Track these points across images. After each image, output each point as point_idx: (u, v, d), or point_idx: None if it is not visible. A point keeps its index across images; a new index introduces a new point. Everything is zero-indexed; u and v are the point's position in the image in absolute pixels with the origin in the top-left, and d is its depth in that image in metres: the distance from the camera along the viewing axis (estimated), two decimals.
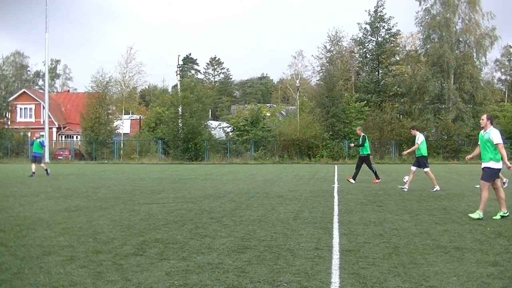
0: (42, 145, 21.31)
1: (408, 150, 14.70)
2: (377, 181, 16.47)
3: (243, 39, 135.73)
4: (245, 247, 6.34)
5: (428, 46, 42.83)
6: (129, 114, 59.30)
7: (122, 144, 46.61)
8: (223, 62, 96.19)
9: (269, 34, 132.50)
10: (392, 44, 46.88)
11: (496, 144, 8.45)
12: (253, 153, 41.32)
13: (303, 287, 4.64)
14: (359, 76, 49.01)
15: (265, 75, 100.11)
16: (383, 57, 46.62)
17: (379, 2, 46.22)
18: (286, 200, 11.59)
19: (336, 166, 30.44)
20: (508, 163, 8.38)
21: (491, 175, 8.59)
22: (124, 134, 50.92)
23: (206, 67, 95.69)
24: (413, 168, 14.07)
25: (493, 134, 8.53)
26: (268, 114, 47.99)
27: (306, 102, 50.72)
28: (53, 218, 8.78)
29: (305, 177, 20.38)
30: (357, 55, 49.96)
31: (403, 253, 5.96)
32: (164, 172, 25.08)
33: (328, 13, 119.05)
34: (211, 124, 47.87)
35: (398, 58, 48.00)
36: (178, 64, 49.32)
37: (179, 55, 51.39)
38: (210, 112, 61.14)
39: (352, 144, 18.63)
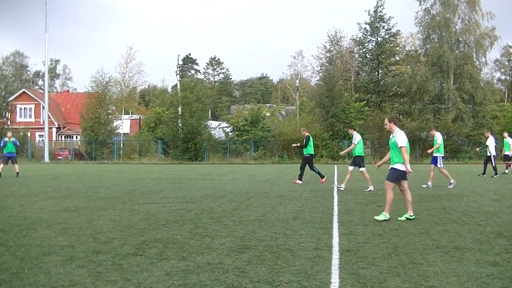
0: (15, 144, 20.65)
1: (345, 150, 14.96)
2: (323, 180, 16.60)
3: (243, 39, 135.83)
4: (245, 247, 6.34)
5: (427, 46, 42.84)
6: (129, 114, 59.29)
7: (122, 144, 46.61)
8: (223, 62, 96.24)
9: (269, 34, 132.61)
10: (392, 44, 46.89)
11: (400, 147, 8.46)
12: (253, 153, 41.33)
13: (303, 287, 4.65)
14: (359, 76, 49.01)
15: (265, 75, 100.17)
16: (383, 57, 46.63)
17: (379, 2, 46.25)
18: (286, 200, 11.59)
19: (335, 166, 30.43)
20: (409, 167, 8.46)
21: (397, 176, 8.57)
22: (123, 134, 50.92)
23: (206, 67, 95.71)
24: (350, 168, 14.47)
25: (398, 137, 8.54)
26: (268, 114, 47.99)
27: (305, 102, 50.71)
28: (53, 218, 8.78)
29: (305, 177, 20.37)
30: (357, 55, 49.97)
31: (402, 253, 5.96)
32: (164, 172, 25.07)
33: (328, 13, 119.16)
34: (211, 124, 47.88)
35: (398, 58, 48.01)
36: (178, 64, 49.32)
37: (179, 55, 51.46)
38: (210, 112, 61.14)
39: (294, 144, 18.86)
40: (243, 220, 8.59)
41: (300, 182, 16.68)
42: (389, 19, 46.39)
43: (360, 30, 47.43)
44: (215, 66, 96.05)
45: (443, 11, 41.41)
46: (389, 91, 46.34)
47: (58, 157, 43.67)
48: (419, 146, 40.28)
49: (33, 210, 9.92)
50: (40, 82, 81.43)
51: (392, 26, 46.51)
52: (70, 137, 54.40)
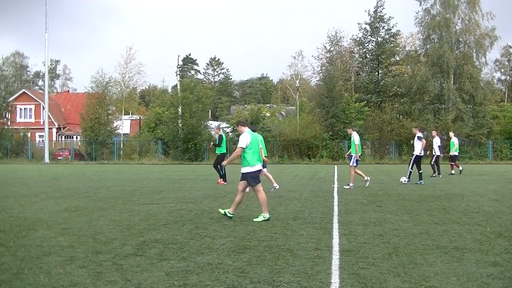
0: None
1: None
2: (222, 182, 16.64)
3: (243, 39, 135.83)
4: (245, 247, 6.34)
5: (428, 46, 42.82)
6: (129, 114, 59.29)
7: (122, 145, 46.62)
8: (223, 63, 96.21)
9: (269, 34, 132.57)
10: (392, 44, 46.85)
11: (238, 146, 8.48)
12: None
13: (303, 287, 4.64)
14: (359, 76, 48.99)
15: (265, 76, 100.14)
16: (383, 57, 46.60)
17: (379, 2, 46.22)
18: (286, 200, 11.59)
19: (335, 166, 30.44)
20: (226, 163, 9.00)
21: (253, 178, 8.51)
22: (123, 134, 50.91)
23: (206, 67, 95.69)
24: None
25: (240, 138, 8.58)
26: (268, 114, 48.02)
27: (305, 103, 50.70)
28: (53, 219, 8.78)
29: (305, 177, 20.39)
30: (357, 55, 49.94)
31: (403, 254, 5.96)
32: (164, 172, 25.07)
33: (328, 13, 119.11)
34: (211, 124, 47.86)
35: (398, 58, 47.96)
36: (178, 65, 49.35)
37: (178, 55, 51.47)
38: (210, 113, 61.12)
39: (212, 144, 19.11)
40: (243, 220, 8.60)
41: (225, 183, 16.62)
42: (389, 19, 46.38)
43: (360, 30, 47.46)
44: (215, 66, 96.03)
45: (443, 11, 41.41)
46: (389, 91, 46.32)
47: (58, 158, 43.68)
48: None
49: (33, 210, 9.92)
50: (40, 83, 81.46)
51: (392, 26, 46.52)
52: (70, 138, 54.41)
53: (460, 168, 22.16)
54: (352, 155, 14.96)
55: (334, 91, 41.48)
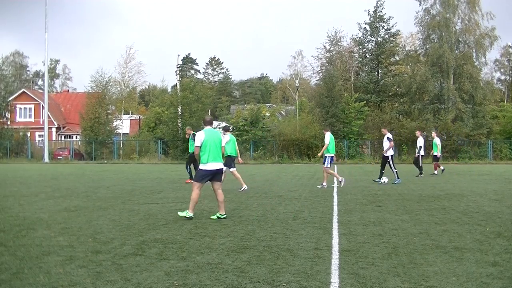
0: None
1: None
2: (189, 181, 16.84)
3: (242, 39, 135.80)
4: (245, 247, 6.34)
5: (427, 46, 42.81)
6: (129, 114, 59.28)
7: (121, 144, 46.60)
8: (222, 62, 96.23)
9: (269, 34, 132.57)
10: (391, 44, 46.84)
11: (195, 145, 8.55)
12: (252, 153, 41.32)
13: (303, 287, 4.65)
14: (359, 76, 48.97)
15: (264, 75, 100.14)
16: (382, 57, 46.59)
17: (378, 2, 46.21)
18: (285, 200, 11.59)
19: (335, 166, 30.44)
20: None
21: (202, 176, 8.50)
22: (123, 134, 50.89)
23: (205, 67, 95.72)
24: (229, 169, 14.37)
25: (196, 137, 8.60)
26: (267, 114, 47.97)
27: (305, 102, 50.68)
28: (53, 218, 8.78)
29: (305, 177, 20.39)
30: (356, 55, 49.93)
31: (402, 253, 5.96)
32: (164, 172, 25.07)
33: (328, 13, 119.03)
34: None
35: (397, 58, 47.95)
36: (178, 64, 49.31)
37: (178, 55, 51.47)
38: (209, 112, 61.12)
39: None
40: (242, 220, 8.60)
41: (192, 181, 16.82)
42: (389, 19, 46.38)
43: (360, 30, 47.46)
44: (214, 66, 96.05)
45: (443, 11, 41.39)
46: (389, 91, 46.31)
47: (58, 157, 43.65)
48: None
49: (32, 210, 9.92)
50: (40, 82, 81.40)
51: (392, 26, 46.51)
52: (69, 137, 54.38)
53: (442, 168, 22.03)
54: (325, 156, 15.07)
55: (333, 91, 41.48)
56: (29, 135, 48.58)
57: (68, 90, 74.64)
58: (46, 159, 42.02)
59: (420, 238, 6.93)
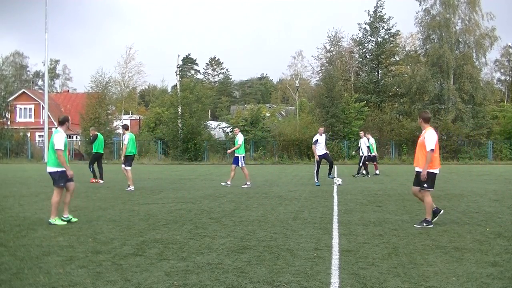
0: None
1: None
2: (99, 181, 17.33)
3: (243, 39, 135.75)
4: (245, 247, 6.34)
5: (427, 46, 42.79)
6: (129, 114, 59.26)
7: (121, 145, 46.57)
8: (222, 62, 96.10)
9: (269, 34, 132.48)
10: (391, 44, 46.83)
11: (56, 149, 8.20)
12: (252, 154, 41.32)
13: (303, 287, 4.65)
14: (359, 76, 48.96)
15: (264, 75, 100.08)
16: (382, 57, 46.58)
17: (378, 2, 46.19)
18: (285, 201, 11.59)
19: (335, 166, 30.44)
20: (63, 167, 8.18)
21: (58, 177, 8.25)
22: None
23: (205, 67, 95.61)
24: (124, 166, 14.84)
25: (56, 139, 8.24)
26: (267, 114, 47.96)
27: (305, 103, 50.67)
28: None
29: (305, 177, 20.38)
30: (356, 55, 49.92)
31: (402, 254, 5.96)
32: (164, 172, 25.07)
33: (328, 13, 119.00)
34: (211, 124, 47.81)
35: (397, 58, 47.94)
36: (178, 64, 49.30)
37: (178, 55, 51.44)
38: (209, 112, 61.11)
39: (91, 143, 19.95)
40: (243, 220, 8.59)
41: (101, 181, 17.33)
42: (389, 19, 46.37)
43: (360, 30, 47.42)
44: (215, 66, 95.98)
45: (443, 12, 41.38)
46: (389, 91, 46.30)
47: None
48: None
49: (33, 210, 9.92)
50: (40, 82, 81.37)
51: (392, 26, 46.49)
52: (69, 137, 54.38)
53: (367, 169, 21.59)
54: (237, 156, 15.35)
55: (334, 91, 41.47)
56: (29, 135, 48.58)
57: (68, 90, 74.62)
58: (46, 159, 41.94)
59: (420, 238, 6.93)
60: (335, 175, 17.48)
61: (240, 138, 15.37)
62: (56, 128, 8.55)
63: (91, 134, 18.44)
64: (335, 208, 10.20)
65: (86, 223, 8.33)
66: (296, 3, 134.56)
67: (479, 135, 39.90)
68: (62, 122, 8.55)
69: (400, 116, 44.34)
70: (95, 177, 17.65)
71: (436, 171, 7.92)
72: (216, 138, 46.14)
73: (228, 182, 15.39)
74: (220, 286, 4.66)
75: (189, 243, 6.61)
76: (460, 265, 5.41)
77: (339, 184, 15.55)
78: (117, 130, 47.55)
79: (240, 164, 15.26)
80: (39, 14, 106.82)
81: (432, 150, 7.77)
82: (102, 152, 18.24)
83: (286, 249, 6.24)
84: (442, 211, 8.11)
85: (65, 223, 8.27)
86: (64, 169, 8.28)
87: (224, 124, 48.84)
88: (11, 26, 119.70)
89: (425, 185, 7.84)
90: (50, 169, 8.33)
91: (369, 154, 20.69)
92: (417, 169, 7.99)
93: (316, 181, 15.87)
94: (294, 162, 37.94)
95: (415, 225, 7.94)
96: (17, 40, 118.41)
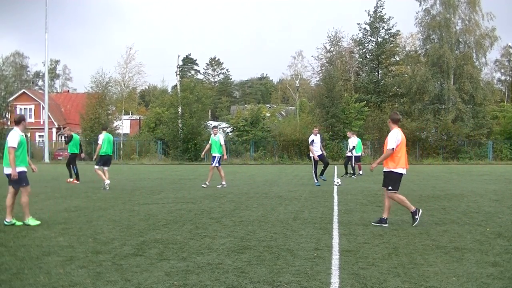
0: None
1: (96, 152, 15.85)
2: (71, 180, 17.60)
3: (243, 39, 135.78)
4: (245, 247, 6.34)
5: (428, 46, 42.77)
6: (129, 114, 59.26)
7: (121, 145, 46.59)
8: (222, 63, 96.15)
9: (269, 34, 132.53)
10: (391, 45, 46.81)
11: (8, 147, 7.95)
12: (252, 154, 41.32)
13: (303, 287, 4.65)
14: (359, 76, 48.94)
15: (264, 76, 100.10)
16: (382, 57, 46.56)
17: (378, 3, 46.17)
18: (285, 201, 11.59)
19: (335, 166, 30.42)
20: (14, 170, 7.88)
21: (20, 178, 8.00)
22: (123, 134, 50.88)
23: (205, 68, 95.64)
24: (96, 166, 15.21)
25: (10, 138, 8.06)
26: (267, 114, 47.95)
27: (305, 103, 50.65)
28: (53, 219, 8.79)
29: (305, 177, 20.38)
30: (356, 56, 49.90)
31: (402, 254, 5.96)
32: (164, 172, 25.07)
33: (328, 13, 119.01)
34: (211, 124, 47.75)
35: (397, 59, 47.92)
36: (178, 65, 49.31)
37: (178, 56, 51.45)
38: (209, 113, 61.11)
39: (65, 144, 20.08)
40: (243, 220, 8.59)
41: (77, 182, 17.54)
42: (389, 19, 46.36)
43: (360, 30, 47.41)
44: (215, 67, 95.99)
45: (443, 12, 41.37)
46: (389, 92, 46.28)
47: (58, 158, 43.65)
48: (419, 146, 40.25)
49: (33, 210, 9.89)
50: (40, 83, 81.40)
51: (392, 26, 46.47)
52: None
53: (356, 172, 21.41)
54: (214, 155, 15.40)
55: (334, 91, 41.45)
56: (29, 135, 48.56)
57: (68, 91, 74.63)
58: (47, 159, 42.00)
59: (421, 238, 6.93)
60: (335, 176, 17.46)
61: (221, 138, 15.59)
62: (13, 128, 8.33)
63: (66, 134, 18.58)
64: (335, 208, 10.20)
65: (86, 223, 8.33)
66: (296, 3, 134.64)
67: (479, 135, 39.88)
68: (17, 122, 8.36)
69: (400, 116, 44.29)
70: (71, 176, 17.86)
71: (401, 171, 8.00)
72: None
73: (207, 183, 15.34)
74: (220, 286, 4.66)
75: (189, 243, 6.61)
76: (460, 265, 5.41)
77: (339, 185, 15.54)
78: (117, 130, 47.57)
79: (214, 164, 15.29)
80: (39, 14, 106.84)
81: (392, 149, 7.92)
82: (78, 152, 18.37)
83: (286, 249, 6.24)
84: (420, 211, 8.04)
85: (39, 222, 8.14)
86: (24, 169, 8.08)
87: (224, 124, 48.84)
88: (11, 26, 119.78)
89: (390, 188, 7.98)
90: (9, 170, 8.01)
91: (353, 153, 20.51)
92: (384, 169, 8.12)
93: (316, 181, 15.86)
94: (294, 162, 37.95)
95: (372, 222, 8.07)
96: (17, 40, 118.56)
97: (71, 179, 17.74)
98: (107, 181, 14.88)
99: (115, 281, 4.81)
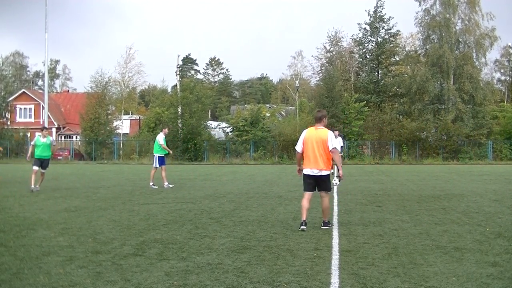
0: None
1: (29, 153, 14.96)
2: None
3: (243, 39, 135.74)
4: (245, 247, 6.34)
5: (427, 46, 42.78)
6: (129, 114, 59.25)
7: (121, 145, 46.58)
8: (222, 63, 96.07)
9: (269, 34, 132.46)
10: (391, 45, 46.82)
11: None
12: (252, 154, 41.32)
13: (303, 287, 4.65)
14: (359, 76, 48.93)
15: (264, 76, 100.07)
16: (382, 57, 46.56)
17: (378, 3, 46.18)
18: (285, 201, 11.60)
19: (336, 166, 30.45)
20: None
21: None
22: (123, 134, 50.86)
23: (205, 68, 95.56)
24: (35, 168, 14.06)
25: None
26: (267, 114, 47.93)
27: (305, 103, 50.63)
28: (53, 219, 8.78)
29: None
30: (356, 55, 49.90)
31: (402, 254, 5.96)
32: None
33: (328, 13, 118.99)
34: (211, 124, 47.79)
35: (397, 59, 47.93)
36: (178, 64, 49.29)
37: (178, 55, 51.39)
38: (209, 113, 61.09)
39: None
40: (243, 220, 8.59)
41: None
42: (389, 19, 46.37)
43: (360, 30, 47.42)
44: (215, 67, 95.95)
45: (443, 12, 41.37)
46: (389, 92, 46.29)
47: (58, 158, 43.59)
48: (419, 146, 40.28)
49: (33, 210, 9.91)
50: (40, 82, 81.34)
51: (392, 26, 46.48)
52: (70, 138, 54.38)
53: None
54: (162, 156, 15.72)
55: (334, 91, 41.46)
56: (29, 135, 48.53)
57: (68, 91, 74.59)
58: None
59: (420, 238, 6.93)
60: (334, 176, 17.37)
61: (160, 138, 15.95)
62: None
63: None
64: (335, 208, 10.20)
65: (86, 223, 8.33)
66: (296, 3, 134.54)
67: (479, 135, 39.89)
68: None
69: (400, 116, 44.33)
70: None
71: (305, 171, 7.91)
72: (216, 138, 46.13)
73: (168, 184, 15.51)
74: (220, 286, 4.66)
75: (189, 243, 6.61)
76: (460, 265, 5.41)
77: (338, 185, 15.51)
78: (117, 130, 47.56)
79: (156, 164, 15.61)
80: (39, 14, 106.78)
81: (295, 148, 8.03)
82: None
83: (286, 249, 6.24)
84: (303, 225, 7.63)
85: None
86: None
87: (224, 124, 48.83)
88: (11, 26, 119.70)
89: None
90: None
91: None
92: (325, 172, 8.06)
93: None
94: (294, 162, 37.91)
95: (322, 227, 7.80)
96: (17, 40, 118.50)
97: None
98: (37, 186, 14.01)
99: (115, 281, 4.81)
